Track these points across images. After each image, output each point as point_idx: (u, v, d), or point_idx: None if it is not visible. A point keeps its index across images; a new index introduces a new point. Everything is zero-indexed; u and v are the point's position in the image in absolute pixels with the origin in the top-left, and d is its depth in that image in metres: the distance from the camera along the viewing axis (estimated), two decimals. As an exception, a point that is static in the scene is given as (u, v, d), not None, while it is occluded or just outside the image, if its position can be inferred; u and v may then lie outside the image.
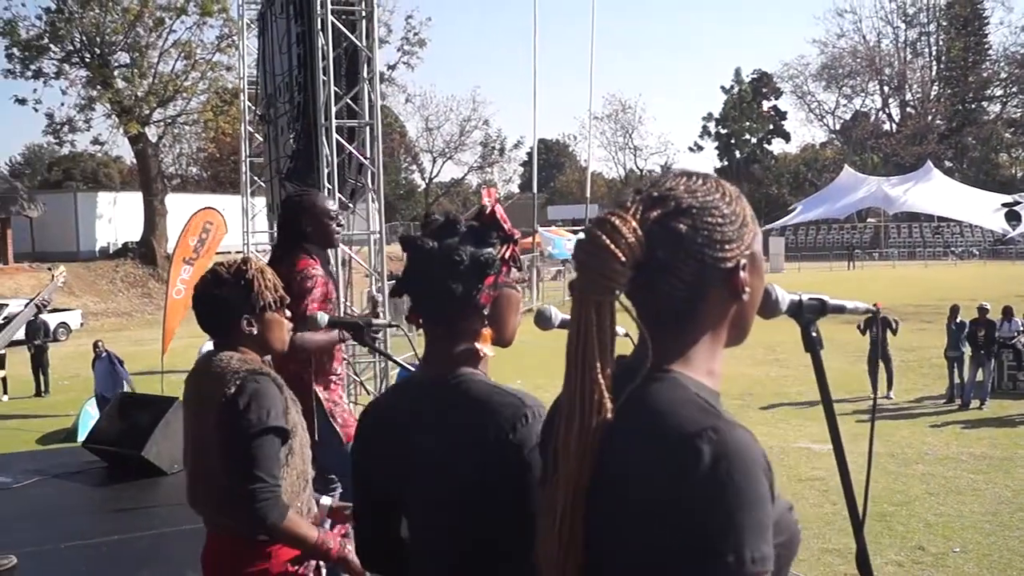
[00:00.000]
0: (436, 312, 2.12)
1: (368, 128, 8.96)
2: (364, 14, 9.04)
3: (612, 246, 1.38)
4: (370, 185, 8.90)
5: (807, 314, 1.71)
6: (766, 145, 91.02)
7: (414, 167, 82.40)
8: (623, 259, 1.38)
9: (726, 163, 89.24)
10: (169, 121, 46.20)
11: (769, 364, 18.72)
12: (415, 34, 61.43)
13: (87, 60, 42.51)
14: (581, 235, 1.44)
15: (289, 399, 2.98)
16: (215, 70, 43.53)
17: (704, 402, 1.40)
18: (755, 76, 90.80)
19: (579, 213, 55.01)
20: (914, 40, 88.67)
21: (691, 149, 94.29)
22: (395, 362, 4.19)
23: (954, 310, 15.42)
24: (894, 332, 15.49)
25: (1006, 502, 9.74)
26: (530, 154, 66.56)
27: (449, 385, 2.07)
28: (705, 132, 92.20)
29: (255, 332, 3.01)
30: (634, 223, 1.40)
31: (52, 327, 26.76)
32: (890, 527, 9.11)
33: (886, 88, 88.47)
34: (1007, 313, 16.08)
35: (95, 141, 47.18)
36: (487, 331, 2.16)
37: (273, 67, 10.89)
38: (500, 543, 1.90)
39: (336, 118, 8.64)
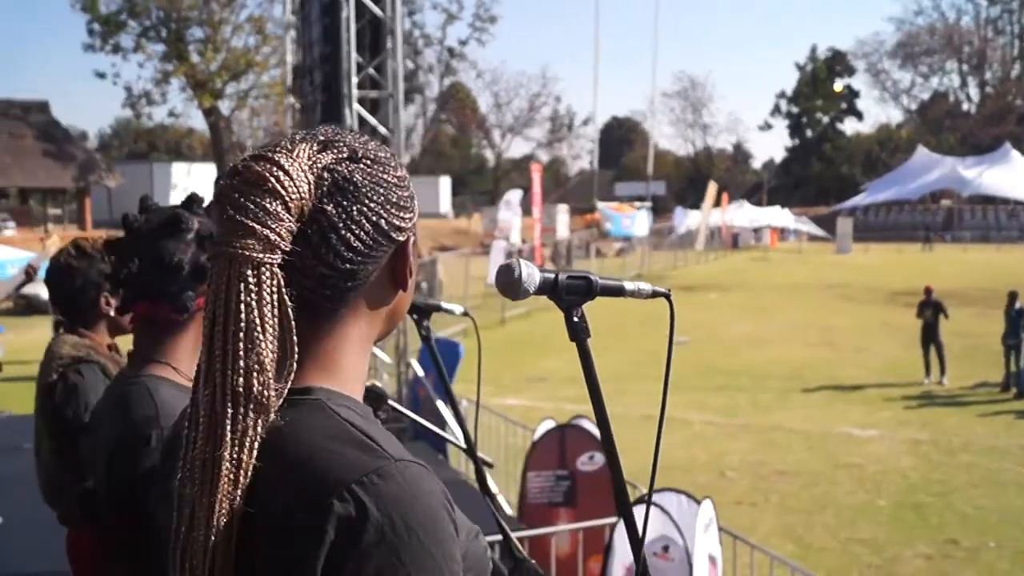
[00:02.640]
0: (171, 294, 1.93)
1: (390, 99, 8.85)
2: (389, -16, 8.94)
3: (279, 186, 1.07)
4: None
5: (567, 296, 1.46)
6: (838, 124, 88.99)
7: (485, 142, 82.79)
8: (291, 206, 1.07)
9: (797, 142, 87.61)
10: (242, 95, 47.30)
11: (821, 347, 18.21)
12: (486, 10, 61.83)
13: (163, 35, 44.44)
14: (233, 170, 1.11)
15: None
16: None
17: (360, 433, 1.08)
18: (829, 54, 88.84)
19: (644, 190, 54.61)
20: (996, 18, 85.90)
21: (761, 127, 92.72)
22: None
23: (1012, 296, 14.82)
24: (946, 316, 15.23)
25: (1051, 497, 9.35)
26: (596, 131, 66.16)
27: (128, 382, 1.92)
28: (776, 110, 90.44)
29: (112, 312, 2.82)
30: (302, 165, 1.10)
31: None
32: (924, 518, 8.80)
33: (965, 67, 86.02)
34: (1068, 301, 15.40)
35: (171, 113, 48.87)
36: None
37: (309, 39, 10.88)
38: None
39: (359, 88, 8.56)
